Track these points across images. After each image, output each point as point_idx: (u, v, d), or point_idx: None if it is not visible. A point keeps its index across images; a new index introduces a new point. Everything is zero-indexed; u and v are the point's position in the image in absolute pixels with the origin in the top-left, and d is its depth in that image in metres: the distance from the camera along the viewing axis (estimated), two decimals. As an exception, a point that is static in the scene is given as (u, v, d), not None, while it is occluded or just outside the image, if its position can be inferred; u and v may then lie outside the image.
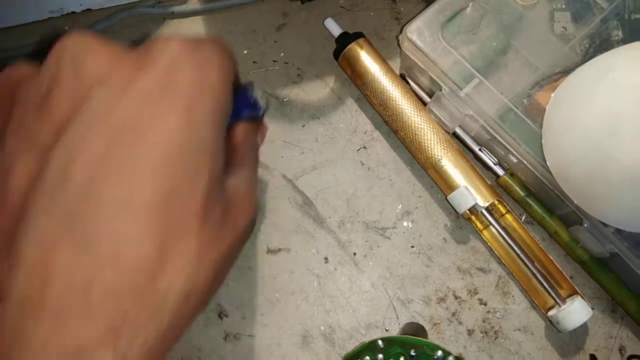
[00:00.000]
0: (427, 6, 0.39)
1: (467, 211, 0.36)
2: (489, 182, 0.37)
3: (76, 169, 0.16)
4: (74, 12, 0.44)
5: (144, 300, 0.16)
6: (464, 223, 0.38)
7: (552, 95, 0.35)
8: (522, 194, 0.38)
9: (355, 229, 0.38)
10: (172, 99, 0.17)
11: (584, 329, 0.36)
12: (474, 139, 0.39)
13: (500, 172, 0.38)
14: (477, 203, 0.36)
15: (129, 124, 0.17)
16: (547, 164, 0.34)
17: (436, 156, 0.37)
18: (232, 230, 0.19)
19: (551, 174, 0.34)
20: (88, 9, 0.44)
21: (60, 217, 0.16)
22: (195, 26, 0.43)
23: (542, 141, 0.35)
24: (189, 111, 0.18)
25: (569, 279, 0.36)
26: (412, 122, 0.38)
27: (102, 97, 0.17)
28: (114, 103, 0.17)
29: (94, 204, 0.16)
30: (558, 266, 0.36)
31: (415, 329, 0.35)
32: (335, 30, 0.41)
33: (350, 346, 0.36)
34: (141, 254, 0.16)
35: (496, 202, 0.37)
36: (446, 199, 0.37)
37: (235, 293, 0.37)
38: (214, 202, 0.18)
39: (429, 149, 0.37)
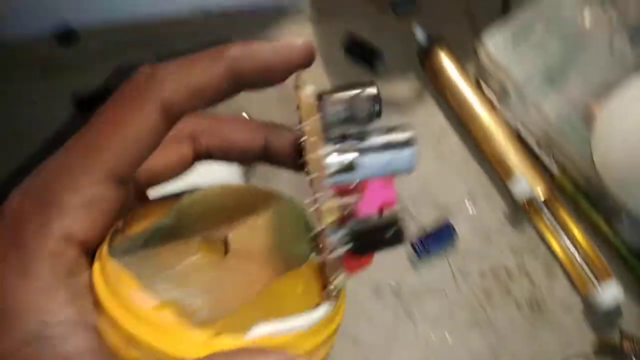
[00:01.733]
0: (502, 23, 0.45)
1: (525, 200, 0.42)
2: (545, 177, 0.43)
3: None
4: (209, 12, 0.53)
5: None
6: (520, 211, 0.44)
7: (603, 104, 0.41)
8: (573, 189, 0.43)
9: (425, 205, 0.45)
10: None
11: (617, 310, 0.41)
12: (534, 138, 0.45)
13: (555, 169, 0.44)
14: (533, 193, 0.42)
15: None
16: (595, 161, 0.40)
17: (501, 150, 0.43)
18: None
19: (597, 171, 0.40)
20: (220, 10, 0.53)
21: None
22: (306, 30, 0.51)
23: (592, 143, 0.40)
24: None
25: (607, 267, 0.41)
26: (483, 119, 0.44)
27: None
28: None
29: None
30: (599, 254, 0.41)
31: None
32: (422, 36, 0.48)
33: (417, 303, 0.43)
34: None
35: (550, 194, 0.42)
36: (507, 188, 0.44)
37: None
38: None
39: (494, 141, 0.44)
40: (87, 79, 0.53)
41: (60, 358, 0.14)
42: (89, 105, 0.53)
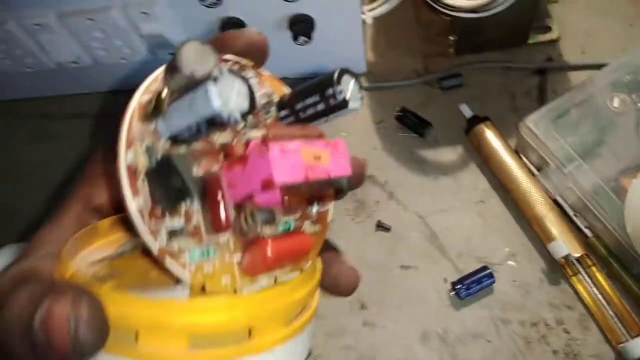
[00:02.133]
0: (540, 104, 0.52)
1: (562, 259, 0.48)
2: (580, 240, 0.49)
3: None
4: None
5: None
6: (557, 269, 0.49)
7: (634, 181, 0.47)
8: (605, 252, 0.49)
9: (470, 260, 0.50)
10: None
11: (647, 362, 0.46)
12: (570, 205, 0.51)
13: (589, 234, 0.49)
14: (569, 253, 0.47)
15: None
16: (627, 231, 0.46)
17: (540, 214, 0.49)
18: None
19: (630, 239, 0.45)
20: (285, 78, 0.60)
21: None
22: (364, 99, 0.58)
23: (624, 214, 0.46)
24: None
25: (637, 321, 0.46)
26: (524, 186, 0.50)
27: None
28: None
29: None
30: (630, 310, 0.46)
31: None
32: (467, 113, 0.55)
33: (462, 348, 0.47)
34: None
35: (584, 255, 0.48)
36: (546, 248, 0.49)
37: (374, 292, 0.50)
38: None
39: (534, 207, 0.49)
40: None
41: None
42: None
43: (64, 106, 0.62)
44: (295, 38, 0.51)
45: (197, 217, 0.19)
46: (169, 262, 0.18)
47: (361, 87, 0.20)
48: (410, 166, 0.55)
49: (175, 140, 0.19)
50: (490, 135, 0.53)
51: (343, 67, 0.20)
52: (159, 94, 0.19)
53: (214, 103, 0.17)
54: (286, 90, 0.23)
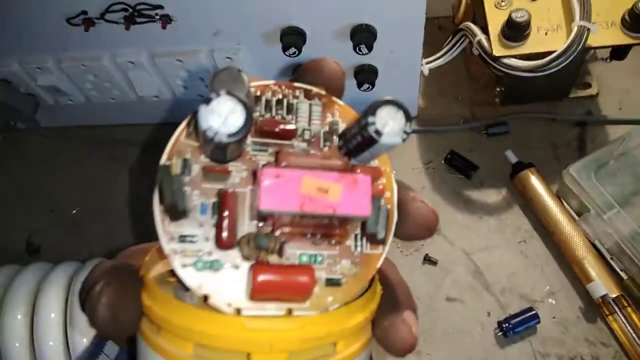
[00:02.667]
0: (580, 154, 0.57)
1: (599, 298, 0.51)
2: (616, 281, 0.52)
3: None
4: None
5: None
6: (594, 308, 0.53)
7: (671, 229, 0.51)
8: (639, 293, 0.52)
9: (512, 296, 0.54)
10: None
11: (680, 401, 0.49)
12: (607, 249, 0.55)
13: (624, 276, 0.53)
14: (607, 294, 0.51)
15: None
16: (663, 275, 0.49)
17: (580, 256, 0.53)
18: None
19: (665, 283, 0.49)
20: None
21: None
22: (412, 142, 0.64)
23: (661, 259, 0.50)
24: None
25: (671, 362, 0.49)
26: (565, 229, 0.54)
27: None
28: None
29: None
30: (664, 351, 0.50)
31: None
32: (513, 159, 0.60)
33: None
34: None
35: (620, 296, 0.51)
36: (583, 287, 0.53)
37: (421, 321, 0.54)
38: None
39: (574, 249, 0.53)
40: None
41: None
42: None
43: (139, 134, 0.68)
44: (359, 86, 0.56)
45: (210, 230, 0.19)
46: (175, 266, 0.18)
47: (408, 121, 0.18)
48: (457, 205, 0.59)
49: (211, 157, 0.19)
50: (535, 181, 0.57)
51: (389, 98, 0.18)
52: None
53: (200, 122, 0.17)
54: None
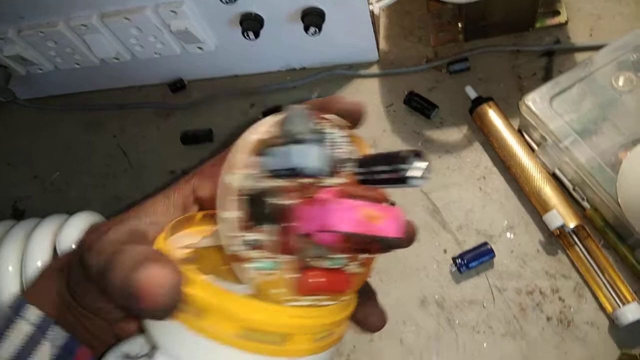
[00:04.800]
0: (545, 78, 0.54)
1: (557, 229, 0.49)
2: (577, 212, 0.50)
3: None
4: (294, 69, 0.66)
5: None
6: (554, 240, 0.51)
7: (629, 153, 0.48)
8: (602, 224, 0.50)
9: (469, 233, 0.53)
10: None
11: (639, 328, 0.47)
12: (569, 180, 0.52)
13: (587, 206, 0.51)
14: (564, 224, 0.49)
15: None
16: (619, 201, 0.47)
17: (537, 187, 0.51)
18: None
19: (622, 210, 0.47)
20: (303, 67, 0.65)
21: None
22: (374, 85, 0.62)
23: (617, 184, 0.47)
24: None
25: (630, 290, 0.47)
26: (523, 162, 0.52)
27: None
28: None
29: None
30: (623, 279, 0.47)
31: None
32: (472, 94, 0.58)
33: (458, 313, 0.50)
34: None
35: (580, 226, 0.49)
36: (543, 221, 0.51)
37: (379, 261, 0.53)
38: None
39: (533, 181, 0.51)
40: (191, 120, 0.66)
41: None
42: (191, 141, 0.66)
43: (110, 98, 0.70)
44: (306, 29, 0.56)
45: (270, 237, 0.23)
46: (236, 265, 0.23)
47: (427, 169, 0.23)
48: (416, 146, 0.58)
49: (271, 174, 0.24)
50: (493, 115, 0.55)
51: (417, 150, 0.23)
52: (268, 138, 0.24)
53: (294, 160, 0.23)
54: (367, 150, 0.27)
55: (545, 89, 0.53)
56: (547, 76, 0.59)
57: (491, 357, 0.48)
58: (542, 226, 0.52)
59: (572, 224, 0.49)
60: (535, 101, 0.52)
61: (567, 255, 0.51)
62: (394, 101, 0.61)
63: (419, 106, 0.59)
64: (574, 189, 0.52)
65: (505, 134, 0.54)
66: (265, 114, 0.63)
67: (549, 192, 0.51)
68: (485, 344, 0.49)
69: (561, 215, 0.49)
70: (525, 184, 0.52)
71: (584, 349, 0.47)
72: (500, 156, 0.55)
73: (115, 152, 0.68)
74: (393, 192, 0.59)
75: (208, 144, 0.65)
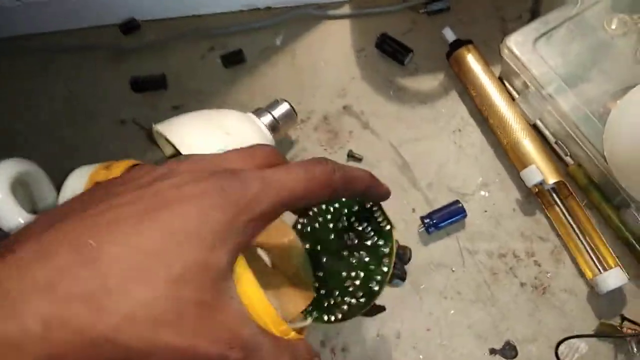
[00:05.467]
0: (526, 25, 0.48)
1: (536, 186, 0.45)
2: (559, 168, 0.45)
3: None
4: (258, 8, 0.59)
5: None
6: (532, 199, 0.47)
7: (618, 102, 0.43)
8: (586, 181, 0.45)
9: (441, 190, 0.48)
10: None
11: (621, 297, 0.42)
12: (552, 133, 0.47)
13: (570, 161, 0.46)
14: (544, 180, 0.44)
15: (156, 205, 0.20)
16: (605, 154, 0.42)
17: (516, 139, 0.46)
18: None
19: (609, 165, 0.42)
20: (268, 7, 0.59)
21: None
22: (344, 27, 0.56)
23: (603, 136, 0.42)
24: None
25: (613, 255, 0.42)
26: (502, 111, 0.47)
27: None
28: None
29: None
30: (606, 243, 0.43)
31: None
32: (450, 37, 0.52)
33: (424, 277, 0.46)
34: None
35: (561, 182, 0.44)
36: (521, 178, 0.46)
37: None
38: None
39: (512, 133, 0.46)
40: (145, 65, 0.60)
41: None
42: (142, 88, 0.59)
43: (58, 41, 0.64)
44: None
45: None
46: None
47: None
48: (387, 95, 0.53)
49: None
50: (471, 59, 0.50)
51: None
52: None
53: None
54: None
55: (529, 29, 0.47)
56: (534, 19, 0.53)
57: (459, 324, 0.44)
58: (520, 184, 0.47)
59: (552, 181, 0.44)
60: (517, 42, 0.47)
61: (546, 216, 0.46)
62: (366, 46, 0.55)
63: (392, 50, 0.53)
64: (556, 143, 0.47)
65: (483, 79, 0.49)
66: (224, 58, 0.57)
67: (528, 145, 0.46)
68: (452, 311, 0.45)
69: (541, 171, 0.44)
70: (503, 137, 0.47)
71: (560, 317, 0.43)
72: (478, 106, 0.49)
73: (63, 99, 0.62)
74: (359, 145, 0.53)
75: (162, 91, 0.59)
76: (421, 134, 0.51)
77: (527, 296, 0.44)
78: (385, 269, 0.31)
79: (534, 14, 0.53)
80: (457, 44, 0.51)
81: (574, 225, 0.44)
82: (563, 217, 0.44)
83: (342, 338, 0.46)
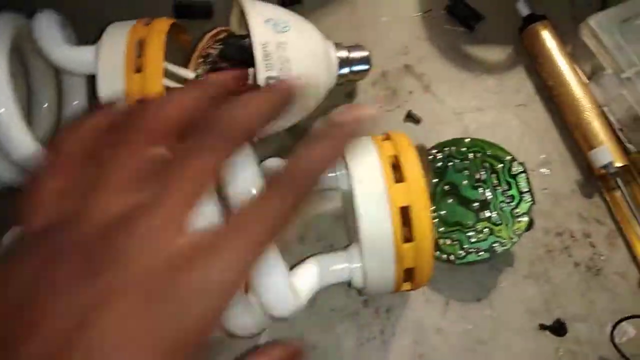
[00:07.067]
0: (601, 8, 0.48)
1: (602, 168, 0.44)
2: (624, 154, 0.45)
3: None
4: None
5: None
6: (592, 182, 0.47)
7: (700, 94, 0.43)
8: (649, 170, 0.45)
9: (502, 162, 0.48)
10: None
11: (674, 287, 0.43)
12: (617, 119, 0.47)
13: (632, 149, 0.46)
14: (612, 162, 0.44)
15: None
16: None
17: (587, 120, 0.46)
18: None
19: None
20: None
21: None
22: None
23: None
24: None
25: (672, 244, 0.43)
26: (574, 90, 0.47)
27: None
28: None
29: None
30: (665, 232, 0.43)
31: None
32: (525, 11, 0.51)
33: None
34: None
35: (626, 168, 0.45)
36: (585, 159, 0.46)
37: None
38: None
39: (582, 112, 0.46)
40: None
41: None
42: (185, 14, 0.55)
43: None
44: None
45: None
46: None
47: None
48: (454, 60, 0.51)
49: None
50: (546, 36, 0.49)
51: None
52: None
53: None
54: None
55: (615, 12, 0.46)
56: (604, 5, 0.52)
57: (509, 298, 0.44)
58: (582, 165, 0.47)
59: (618, 164, 0.44)
60: (600, 24, 0.46)
61: (604, 200, 0.46)
62: (434, 6, 0.53)
63: (463, 14, 0.52)
64: (620, 129, 0.47)
65: (558, 57, 0.48)
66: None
67: (597, 126, 0.46)
68: (504, 283, 0.44)
69: (608, 154, 0.44)
70: (572, 116, 0.47)
71: (611, 300, 0.43)
72: (546, 83, 0.49)
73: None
74: (419, 107, 0.52)
75: (204, 21, 0.55)
76: (485, 104, 0.50)
77: (580, 276, 0.44)
78: (514, 239, 0.36)
79: (605, 2, 0.53)
80: (532, 19, 0.50)
81: (635, 210, 0.44)
82: (624, 202, 0.45)
83: (388, 299, 0.45)
